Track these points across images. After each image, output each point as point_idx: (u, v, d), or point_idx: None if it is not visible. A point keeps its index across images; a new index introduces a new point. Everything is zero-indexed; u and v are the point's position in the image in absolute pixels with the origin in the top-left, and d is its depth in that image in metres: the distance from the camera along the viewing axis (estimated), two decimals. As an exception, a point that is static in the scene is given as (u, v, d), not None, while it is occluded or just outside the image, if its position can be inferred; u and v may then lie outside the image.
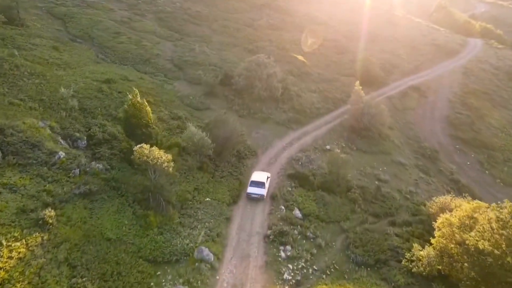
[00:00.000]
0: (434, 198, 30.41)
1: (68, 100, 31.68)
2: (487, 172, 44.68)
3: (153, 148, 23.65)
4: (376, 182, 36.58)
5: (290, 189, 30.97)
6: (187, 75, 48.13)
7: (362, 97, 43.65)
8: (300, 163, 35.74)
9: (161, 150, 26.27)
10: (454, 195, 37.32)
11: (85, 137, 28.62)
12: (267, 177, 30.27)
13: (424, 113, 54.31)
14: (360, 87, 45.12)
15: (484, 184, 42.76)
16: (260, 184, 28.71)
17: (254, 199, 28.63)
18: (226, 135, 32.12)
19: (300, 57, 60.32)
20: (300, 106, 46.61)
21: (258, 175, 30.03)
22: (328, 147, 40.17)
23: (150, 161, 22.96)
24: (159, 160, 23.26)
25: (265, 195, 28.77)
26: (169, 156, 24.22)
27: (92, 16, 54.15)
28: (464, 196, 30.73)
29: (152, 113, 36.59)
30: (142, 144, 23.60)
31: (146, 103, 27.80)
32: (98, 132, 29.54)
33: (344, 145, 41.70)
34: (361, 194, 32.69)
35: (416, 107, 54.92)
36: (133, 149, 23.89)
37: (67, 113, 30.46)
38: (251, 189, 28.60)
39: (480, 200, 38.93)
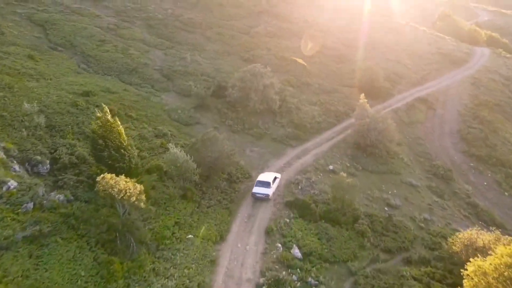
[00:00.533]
0: (457, 234, 26.08)
1: (34, 117, 27.57)
2: (506, 193, 40.46)
3: (119, 178, 19.46)
4: (386, 209, 32.41)
5: (288, 220, 26.70)
6: (176, 86, 44.16)
7: (368, 111, 39.60)
8: (300, 187, 31.52)
9: (135, 178, 22.20)
10: (476, 225, 33.30)
11: (48, 161, 24.43)
12: (275, 177, 29.99)
13: (433, 127, 50.27)
14: (365, 100, 41.14)
15: (504, 207, 38.52)
16: (265, 184, 28.36)
17: (259, 199, 28.20)
18: (215, 156, 27.97)
19: (300, 60, 56.53)
20: (300, 120, 42.56)
21: (265, 175, 29.91)
22: (331, 167, 36.01)
23: (115, 194, 18.78)
24: (127, 193, 19.08)
25: (270, 194, 28.26)
26: (141, 187, 20.05)
27: (76, 23, 50.28)
28: (491, 230, 26.43)
29: (133, 129, 32.89)
30: (105, 174, 19.42)
31: (118, 122, 23.65)
32: (65, 154, 25.38)
33: (348, 165, 37.57)
34: (370, 225, 28.44)
35: (425, 121, 50.86)
36: (97, 179, 19.71)
37: (30, 132, 26.34)
38: (256, 189, 28.28)
39: (503, 227, 35.03)
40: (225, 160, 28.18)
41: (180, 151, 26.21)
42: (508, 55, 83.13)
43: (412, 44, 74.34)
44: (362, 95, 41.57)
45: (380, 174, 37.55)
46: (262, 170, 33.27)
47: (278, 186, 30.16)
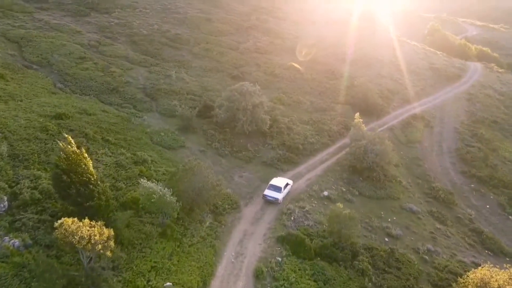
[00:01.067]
0: (467, 274, 23.46)
1: (-6, 145, 24.60)
2: (511, 217, 38.18)
3: (82, 223, 16.57)
4: (386, 239, 29.82)
5: (280, 259, 23.87)
6: (160, 106, 41.52)
7: (364, 131, 37.31)
8: (292, 218, 28.77)
9: (106, 216, 19.34)
10: (482, 255, 30.86)
11: (6, 197, 21.43)
12: (287, 183, 31.36)
13: (431, 146, 48.19)
14: (361, 120, 38.92)
15: (510, 233, 36.14)
16: (277, 189, 30.00)
17: (269, 201, 29.73)
18: (198, 187, 25.18)
19: (296, 65, 54.52)
20: (292, 142, 40.07)
21: (277, 180, 31.35)
22: (325, 193, 33.42)
23: (76, 243, 15.89)
24: (91, 241, 16.19)
25: (280, 199, 29.69)
26: (109, 232, 17.16)
27: (54, 39, 47.63)
28: (505, 267, 23.87)
29: (109, 155, 30.02)
30: (64, 219, 16.52)
31: (85, 153, 20.81)
32: (27, 188, 22.39)
33: (344, 190, 35.06)
34: (371, 260, 25.76)
35: (422, 140, 48.75)
36: (54, 225, 16.79)
37: (-12, 163, 23.34)
38: (268, 192, 29.96)
39: (509, 254, 32.58)
40: (210, 192, 25.38)
41: (157, 183, 23.36)
42: (500, 70, 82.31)
43: (405, 59, 72.96)
44: (357, 115, 39.43)
45: (378, 199, 35.06)
46: (251, 200, 30.58)
47: (288, 192, 31.47)
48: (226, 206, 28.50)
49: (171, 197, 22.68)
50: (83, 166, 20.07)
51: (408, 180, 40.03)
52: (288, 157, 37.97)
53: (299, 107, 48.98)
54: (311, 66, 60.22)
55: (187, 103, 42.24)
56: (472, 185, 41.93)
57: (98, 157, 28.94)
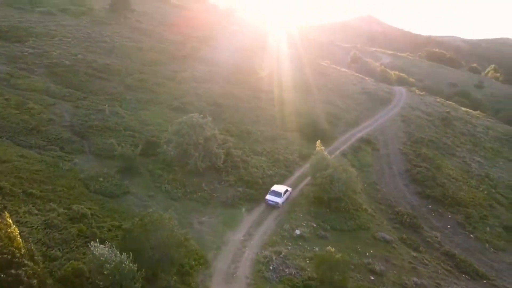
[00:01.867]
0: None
1: None
2: (472, 236, 38.38)
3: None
4: (372, 278, 27.16)
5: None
6: (94, 146, 35.30)
7: (329, 159, 35.21)
8: (271, 267, 24.75)
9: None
10: (461, 280, 29.63)
11: None
12: (286, 190, 33.80)
13: (382, 169, 48.01)
14: (323, 148, 36.94)
15: (476, 251, 36.05)
16: (277, 194, 32.55)
17: (270, 206, 32.22)
18: (163, 245, 20.12)
19: (237, 93, 51.50)
20: (250, 176, 36.49)
21: (277, 187, 33.87)
22: (298, 232, 30.10)
23: None
24: None
25: (280, 203, 32.21)
26: None
27: (-50, 72, 39.08)
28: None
29: (35, 214, 23.47)
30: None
31: (8, 219, 14.91)
32: None
33: (315, 225, 32.09)
34: (366, 308, 22.68)
35: (373, 163, 48.48)
36: None
37: None
38: (269, 197, 32.52)
39: (486, 277, 31.97)
40: (179, 249, 20.43)
41: (109, 247, 17.94)
42: (421, 93, 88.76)
43: (340, 85, 74.90)
44: (318, 142, 37.51)
45: (351, 232, 32.68)
46: (219, 250, 25.99)
47: (287, 198, 33.89)
48: (193, 262, 23.55)
49: (130, 265, 17.41)
50: (5, 238, 14.18)
51: (372, 206, 38.58)
52: (249, 194, 34.17)
53: (249, 137, 45.87)
54: (252, 94, 58.19)
55: (126, 140, 36.63)
56: (429, 206, 41.93)
57: (20, 217, 22.32)
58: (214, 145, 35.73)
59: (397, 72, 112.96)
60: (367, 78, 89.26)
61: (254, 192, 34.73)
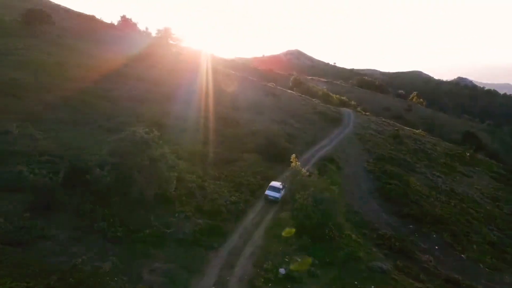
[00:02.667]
0: None
1: None
2: (463, 256, 34.27)
3: None
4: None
5: None
6: (-6, 176, 25.58)
7: (310, 180, 29.23)
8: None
9: None
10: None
11: None
12: (283, 185, 33.51)
13: (352, 189, 43.31)
14: (299, 163, 31.00)
15: (474, 274, 31.68)
16: (276, 189, 32.64)
17: (270, 200, 31.89)
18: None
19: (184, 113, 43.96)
20: (211, 205, 29.16)
21: (275, 183, 33.65)
22: (282, 271, 23.14)
23: None
24: None
25: (279, 198, 32.05)
26: None
27: None
28: None
29: None
30: None
31: None
32: None
33: (299, 260, 25.31)
34: None
35: (342, 183, 43.53)
36: None
37: None
38: (269, 192, 32.52)
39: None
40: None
41: None
42: (367, 113, 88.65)
43: (290, 105, 71.08)
44: (293, 156, 31.65)
45: (342, 264, 26.40)
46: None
47: (285, 193, 32.97)
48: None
49: None
50: None
51: (353, 231, 32.92)
52: (212, 227, 26.67)
53: (202, 159, 38.66)
54: (199, 114, 51.41)
55: (42, 167, 27.45)
56: (411, 226, 37.51)
57: None
58: (164, 167, 27.91)
59: (338, 96, 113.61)
60: (313, 99, 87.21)
61: (218, 223, 27.33)
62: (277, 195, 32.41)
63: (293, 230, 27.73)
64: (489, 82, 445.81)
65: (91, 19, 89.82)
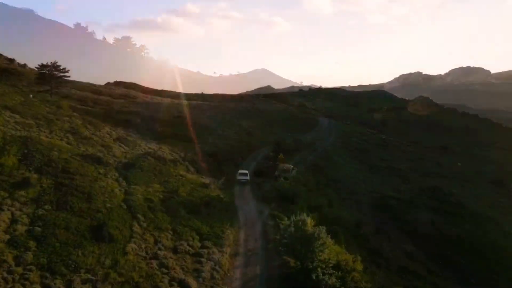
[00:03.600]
0: None
1: None
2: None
3: None
4: None
5: None
6: None
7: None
8: None
9: None
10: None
11: None
12: (247, 173, 37.06)
13: (350, 203, 34.72)
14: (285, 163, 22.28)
15: None
16: (245, 174, 36.51)
17: (242, 183, 35.02)
18: None
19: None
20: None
21: (243, 171, 37.15)
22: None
23: None
24: None
25: (248, 179, 35.80)
26: None
27: None
28: None
29: None
30: None
31: None
32: None
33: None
34: None
35: (335, 198, 34.88)
36: None
37: None
38: (240, 177, 35.92)
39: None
40: None
41: None
42: (347, 123, 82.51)
43: (264, 110, 63.11)
44: (281, 156, 23.21)
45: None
46: None
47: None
48: None
49: None
50: None
51: (366, 262, 23.62)
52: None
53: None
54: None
55: None
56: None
57: None
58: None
59: (314, 107, 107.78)
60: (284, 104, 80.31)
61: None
62: (246, 178, 36.65)
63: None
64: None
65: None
